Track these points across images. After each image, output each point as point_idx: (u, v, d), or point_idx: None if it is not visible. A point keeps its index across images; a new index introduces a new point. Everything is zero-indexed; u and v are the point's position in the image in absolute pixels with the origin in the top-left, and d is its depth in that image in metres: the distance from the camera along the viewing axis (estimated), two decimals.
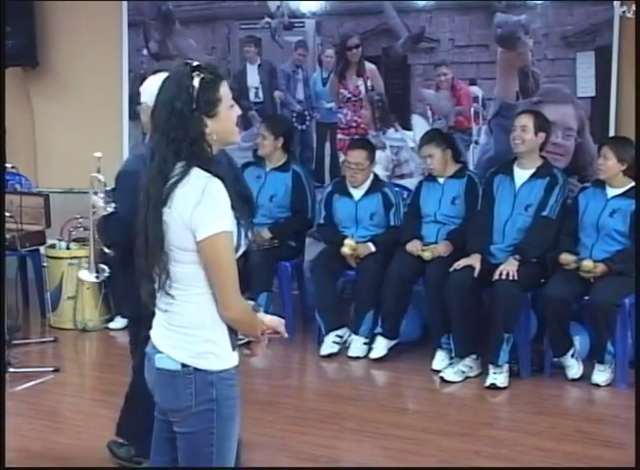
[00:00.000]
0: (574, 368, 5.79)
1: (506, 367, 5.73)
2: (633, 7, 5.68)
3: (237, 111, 2.84)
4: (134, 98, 8.26)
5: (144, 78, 8.11)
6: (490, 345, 5.75)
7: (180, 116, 2.72)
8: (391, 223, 6.53)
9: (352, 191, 6.60)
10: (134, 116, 8.28)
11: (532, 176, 5.99)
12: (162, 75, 4.54)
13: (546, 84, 6.81)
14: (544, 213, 5.91)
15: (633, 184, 5.79)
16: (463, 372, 5.85)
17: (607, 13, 6.53)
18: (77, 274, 5.98)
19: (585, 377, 5.76)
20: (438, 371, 5.92)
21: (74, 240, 7.24)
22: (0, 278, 4.71)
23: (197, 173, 2.72)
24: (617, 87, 6.59)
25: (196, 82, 2.73)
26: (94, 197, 4.43)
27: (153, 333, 2.88)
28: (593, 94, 6.68)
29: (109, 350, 6.80)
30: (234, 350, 2.80)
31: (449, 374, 5.84)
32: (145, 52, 8.26)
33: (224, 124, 2.79)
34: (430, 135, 6.47)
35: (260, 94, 7.88)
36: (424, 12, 7.21)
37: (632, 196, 5.75)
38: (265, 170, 6.84)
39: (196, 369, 2.75)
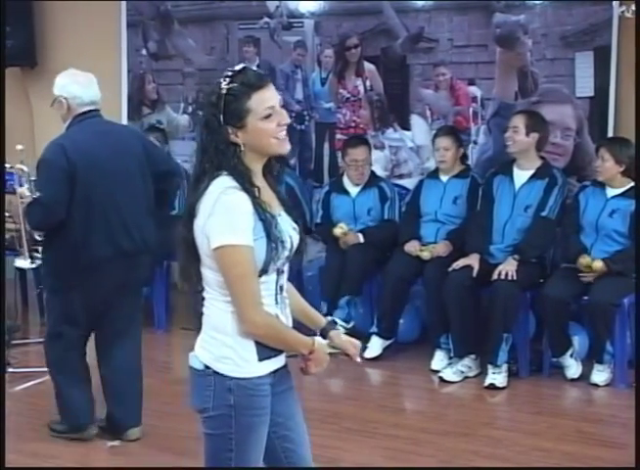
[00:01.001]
0: (573, 368, 5.79)
1: (505, 367, 5.73)
2: (632, 7, 5.68)
3: (280, 120, 2.73)
4: (133, 98, 8.30)
5: (143, 78, 8.27)
6: (489, 345, 5.75)
7: (208, 126, 2.71)
8: (385, 217, 6.53)
9: (349, 188, 6.61)
10: (133, 115, 8.30)
11: (532, 177, 6.00)
12: (74, 71, 4.70)
13: (545, 84, 6.81)
14: (543, 214, 5.91)
15: (632, 184, 5.80)
16: (462, 372, 5.85)
17: (606, 13, 6.53)
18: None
19: (584, 377, 5.76)
20: (437, 371, 5.93)
21: None
22: (0, 278, 4.72)
23: (218, 183, 2.69)
24: (615, 87, 6.59)
25: (222, 93, 2.69)
26: (20, 188, 4.56)
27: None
28: (592, 94, 6.68)
29: None
30: (262, 360, 2.75)
31: (448, 374, 5.85)
32: (144, 52, 8.26)
33: (255, 136, 2.71)
34: (448, 129, 6.50)
35: None
36: (423, 12, 7.21)
37: (632, 196, 5.76)
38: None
39: (215, 372, 2.75)
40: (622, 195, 5.79)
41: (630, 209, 5.72)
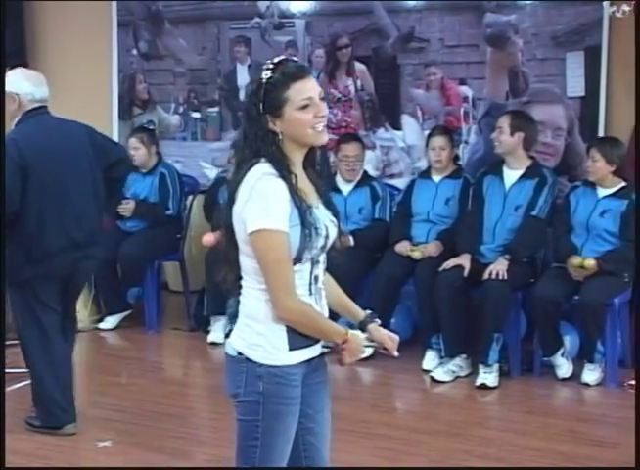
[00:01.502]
0: (564, 368, 5.80)
1: (496, 367, 5.74)
2: (623, 7, 5.69)
3: (317, 112, 2.76)
4: (124, 98, 8.29)
5: (133, 78, 8.26)
6: (480, 344, 5.76)
7: (249, 114, 2.79)
8: (376, 216, 6.53)
9: (342, 186, 6.61)
10: (124, 115, 8.29)
11: (522, 177, 6.01)
12: (24, 70, 4.77)
13: (536, 84, 6.82)
14: (533, 213, 5.92)
15: (623, 184, 5.81)
16: (453, 372, 5.85)
17: (596, 13, 6.55)
18: None
19: (575, 376, 5.77)
20: (429, 371, 5.93)
21: None
22: (0, 278, 4.73)
23: (256, 169, 2.75)
24: (606, 87, 6.60)
25: (263, 82, 2.76)
26: None
27: None
28: (583, 94, 6.70)
29: (99, 350, 6.80)
30: (293, 350, 2.78)
31: (439, 374, 5.85)
32: (135, 52, 8.25)
33: (291, 125, 2.76)
34: (443, 129, 6.50)
35: None
36: (414, 12, 7.22)
37: (623, 196, 5.77)
38: None
39: (247, 359, 2.79)
40: (613, 195, 5.80)
41: (621, 209, 5.73)
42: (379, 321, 3.00)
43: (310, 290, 2.82)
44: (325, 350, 2.89)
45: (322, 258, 2.85)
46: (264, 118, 2.76)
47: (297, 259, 2.75)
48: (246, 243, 2.75)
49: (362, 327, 2.99)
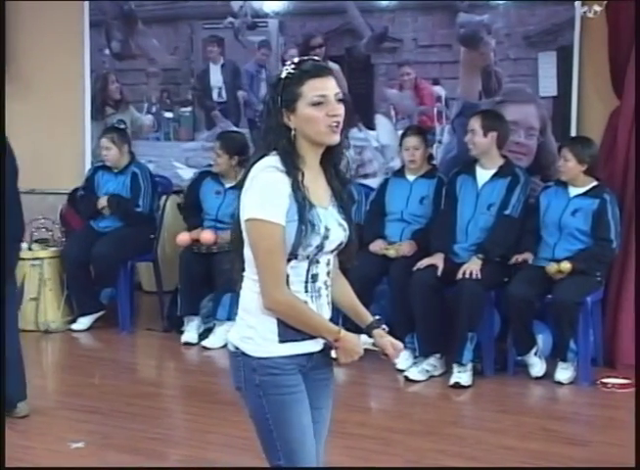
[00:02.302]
0: (538, 366, 5.82)
1: (470, 366, 5.75)
2: (594, 7, 5.72)
3: (329, 110, 2.77)
4: (96, 98, 8.25)
5: (106, 78, 8.23)
6: (454, 344, 5.77)
7: (268, 107, 2.82)
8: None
9: None
10: (96, 115, 8.26)
11: (494, 176, 6.03)
12: None
13: (509, 84, 6.85)
14: (506, 212, 5.94)
15: (595, 183, 5.84)
16: (427, 371, 5.86)
17: (568, 13, 6.58)
18: None
19: (548, 375, 5.79)
20: (403, 370, 5.93)
21: (36, 241, 7.19)
22: (0, 278, 4.71)
23: (262, 162, 2.78)
24: (578, 87, 6.63)
25: (282, 76, 2.79)
26: None
27: None
28: (555, 94, 6.72)
29: (72, 351, 6.77)
30: (283, 342, 2.78)
31: (413, 373, 5.85)
32: (107, 52, 8.22)
33: (302, 121, 2.77)
34: (417, 129, 6.50)
35: (224, 94, 7.86)
36: (387, 12, 7.22)
37: (594, 195, 5.80)
38: (224, 186, 6.80)
39: (242, 353, 2.80)
40: (585, 194, 5.82)
41: (592, 208, 5.76)
42: (386, 328, 3.00)
43: (306, 288, 2.81)
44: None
45: (324, 258, 2.84)
46: (280, 112, 2.78)
47: (293, 255, 2.75)
48: (244, 231, 2.78)
49: (368, 331, 2.99)
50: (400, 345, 3.01)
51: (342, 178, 2.92)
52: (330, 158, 2.88)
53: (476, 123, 6.02)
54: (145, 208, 7.07)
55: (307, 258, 2.78)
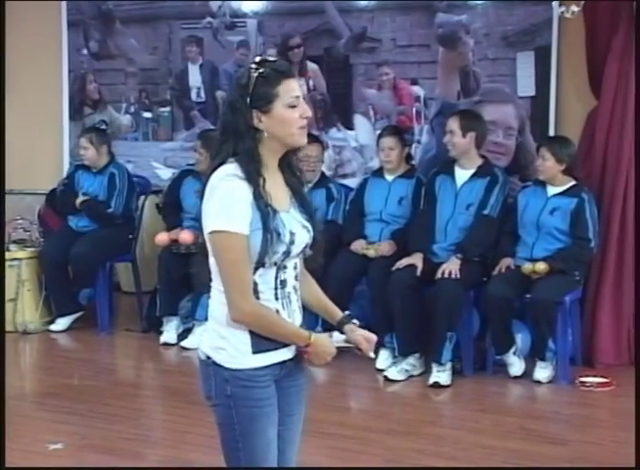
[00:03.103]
0: (516, 366, 5.83)
1: (449, 365, 5.76)
2: (572, 7, 5.73)
3: (303, 112, 2.74)
4: (74, 98, 8.22)
5: (84, 78, 8.20)
6: (433, 343, 5.77)
7: (233, 107, 2.72)
8: (328, 217, 6.49)
9: None
10: (74, 115, 8.23)
11: (473, 176, 6.04)
12: None
13: (487, 84, 6.87)
14: (485, 212, 5.95)
15: (573, 183, 5.86)
16: (407, 371, 5.87)
17: (546, 13, 6.60)
18: None
19: (527, 374, 5.80)
20: (382, 370, 5.93)
21: (14, 241, 7.16)
22: (0, 277, 4.69)
23: (221, 170, 2.70)
24: (556, 87, 6.66)
25: (253, 76, 2.71)
26: None
27: None
28: (533, 93, 6.75)
29: (50, 352, 6.74)
30: (257, 353, 2.74)
31: (393, 373, 5.86)
32: (85, 52, 8.20)
33: (278, 123, 2.71)
34: (393, 129, 6.49)
35: (202, 94, 7.84)
36: (365, 12, 7.23)
37: (572, 194, 5.81)
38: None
39: (214, 362, 2.76)
40: (563, 193, 5.84)
41: (571, 207, 5.78)
42: (357, 322, 2.98)
43: (276, 295, 2.77)
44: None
45: (291, 263, 2.80)
46: (250, 113, 2.70)
47: (260, 264, 2.71)
48: (207, 242, 2.73)
49: (339, 328, 2.96)
50: (373, 336, 2.98)
51: (299, 178, 2.88)
52: (286, 158, 2.83)
53: (454, 124, 6.02)
54: (117, 208, 7.02)
55: (275, 264, 2.74)
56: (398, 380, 5.84)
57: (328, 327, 2.95)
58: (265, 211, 2.68)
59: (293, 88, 2.73)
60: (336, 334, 2.92)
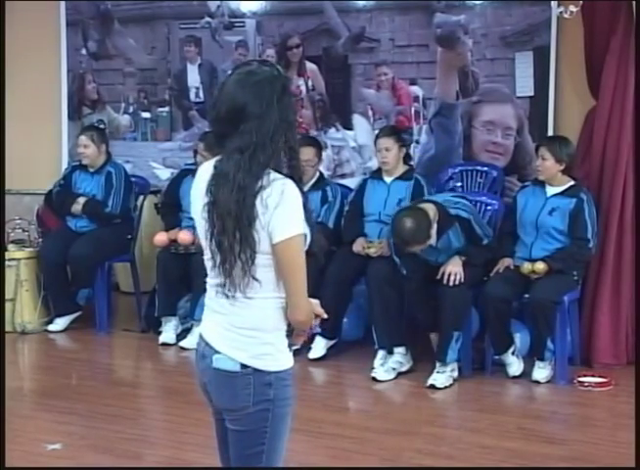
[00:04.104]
0: (515, 366, 5.83)
1: (452, 366, 5.73)
2: (570, 7, 5.74)
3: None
4: (73, 98, 8.22)
5: (83, 78, 8.20)
6: (439, 342, 5.77)
7: (285, 120, 2.69)
8: (319, 219, 6.46)
9: None
10: (73, 115, 8.23)
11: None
12: None
13: (485, 84, 6.87)
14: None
15: (572, 183, 5.86)
16: (393, 369, 5.86)
17: (544, 13, 6.61)
18: None
19: (526, 374, 5.80)
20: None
21: (13, 242, 7.15)
22: (0, 277, 4.69)
23: (276, 174, 2.68)
24: (554, 87, 6.66)
25: (285, 77, 2.75)
26: None
27: (207, 333, 2.85)
28: (532, 93, 6.76)
29: (48, 352, 6.74)
30: (290, 350, 2.81)
31: (380, 373, 5.84)
32: (84, 51, 8.20)
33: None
34: (390, 129, 6.49)
35: (201, 94, 7.85)
36: (364, 12, 7.24)
37: (571, 195, 5.81)
38: None
39: (255, 370, 2.75)
40: (562, 193, 5.84)
41: (569, 207, 5.78)
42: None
43: None
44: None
45: None
46: (295, 125, 2.75)
47: None
48: (265, 253, 2.68)
49: None
50: (316, 300, 2.93)
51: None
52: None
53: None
54: (114, 208, 7.01)
55: None
56: (386, 380, 5.81)
57: None
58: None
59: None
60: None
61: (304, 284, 2.71)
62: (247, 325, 2.76)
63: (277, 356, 2.77)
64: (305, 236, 2.70)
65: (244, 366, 2.75)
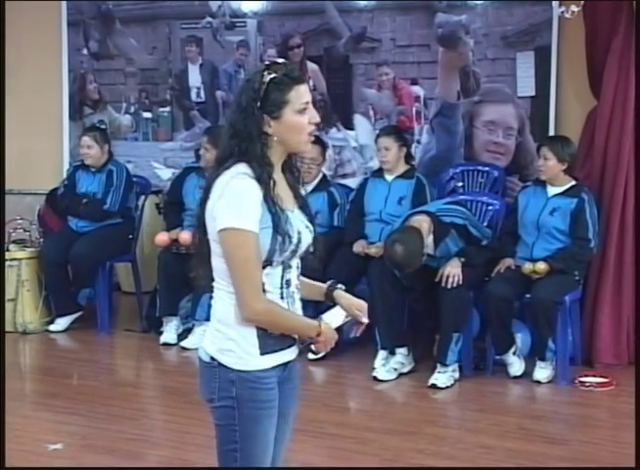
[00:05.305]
0: (516, 366, 5.83)
1: (453, 367, 5.73)
2: (571, 7, 5.74)
3: (312, 118, 2.75)
4: (74, 98, 8.23)
5: (84, 78, 8.20)
6: (439, 343, 5.77)
7: (243, 111, 2.72)
8: (334, 223, 6.51)
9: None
10: (74, 115, 8.23)
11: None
12: None
13: (487, 84, 6.87)
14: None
15: (574, 183, 5.86)
16: (395, 369, 5.86)
17: (545, 13, 6.62)
18: None
19: (527, 374, 5.80)
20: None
21: (14, 241, 7.15)
22: (0, 277, 4.69)
23: (233, 169, 2.70)
24: (556, 87, 6.67)
25: (265, 81, 2.70)
26: None
27: None
28: (533, 93, 6.76)
29: (49, 352, 6.74)
30: (264, 354, 2.75)
31: (382, 373, 5.85)
32: (85, 51, 8.21)
33: (288, 129, 2.72)
34: (390, 129, 6.50)
35: (202, 94, 7.85)
36: (365, 12, 7.24)
37: (572, 195, 5.81)
38: None
39: (219, 364, 2.75)
40: (563, 193, 5.84)
41: (571, 207, 5.78)
42: (342, 287, 2.97)
43: (282, 294, 2.77)
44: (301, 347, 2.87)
45: (294, 262, 2.81)
46: (261, 118, 2.71)
47: (268, 262, 2.71)
48: (216, 242, 2.71)
49: (329, 298, 2.96)
50: (364, 304, 2.98)
51: (297, 178, 2.89)
52: (288, 161, 2.85)
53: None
54: (113, 205, 7.00)
55: (281, 263, 2.75)
56: (387, 380, 5.82)
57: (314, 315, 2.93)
58: (276, 212, 2.69)
59: (303, 94, 2.74)
60: (337, 309, 2.91)
61: (248, 281, 2.67)
62: (216, 317, 2.80)
63: (240, 355, 2.73)
64: (253, 233, 2.64)
65: (212, 359, 2.77)
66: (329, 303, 2.97)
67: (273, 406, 2.79)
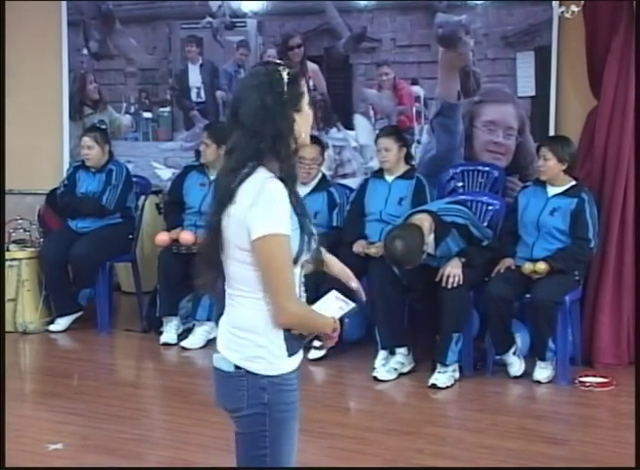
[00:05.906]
0: (516, 366, 5.83)
1: (453, 367, 5.73)
2: (572, 7, 5.74)
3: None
4: (74, 98, 8.23)
5: (84, 78, 8.21)
6: (439, 344, 5.77)
7: (270, 110, 2.67)
8: (334, 224, 6.51)
9: (298, 189, 6.56)
10: (74, 115, 8.23)
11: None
12: None
13: (487, 84, 6.87)
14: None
15: (574, 183, 5.86)
16: (395, 369, 5.86)
17: (546, 13, 6.62)
18: None
19: (527, 374, 5.80)
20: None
21: (14, 242, 7.15)
22: (0, 276, 4.68)
23: (259, 173, 2.67)
24: (556, 87, 6.67)
25: (284, 76, 2.70)
26: None
27: (218, 332, 2.86)
28: (533, 93, 6.76)
29: (49, 352, 6.74)
30: (291, 356, 2.75)
31: (382, 373, 5.85)
32: (85, 51, 8.21)
33: (304, 120, 2.74)
34: (390, 129, 6.50)
35: (202, 94, 7.85)
36: (365, 12, 7.24)
37: (572, 195, 5.81)
38: (209, 178, 6.75)
39: (248, 372, 2.72)
40: (563, 193, 5.84)
41: (571, 207, 5.78)
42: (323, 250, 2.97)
43: (299, 293, 2.78)
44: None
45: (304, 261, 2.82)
46: (290, 115, 2.69)
47: (294, 263, 2.70)
48: (244, 250, 2.67)
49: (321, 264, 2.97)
50: (347, 270, 3.06)
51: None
52: None
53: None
54: (109, 202, 6.99)
55: (301, 264, 2.76)
56: (388, 380, 5.82)
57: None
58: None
59: (305, 86, 2.77)
60: (331, 294, 2.93)
61: (286, 285, 2.66)
62: (238, 325, 2.75)
63: (271, 361, 2.72)
64: (288, 237, 2.63)
65: (237, 367, 2.74)
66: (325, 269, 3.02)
67: (297, 408, 2.82)
